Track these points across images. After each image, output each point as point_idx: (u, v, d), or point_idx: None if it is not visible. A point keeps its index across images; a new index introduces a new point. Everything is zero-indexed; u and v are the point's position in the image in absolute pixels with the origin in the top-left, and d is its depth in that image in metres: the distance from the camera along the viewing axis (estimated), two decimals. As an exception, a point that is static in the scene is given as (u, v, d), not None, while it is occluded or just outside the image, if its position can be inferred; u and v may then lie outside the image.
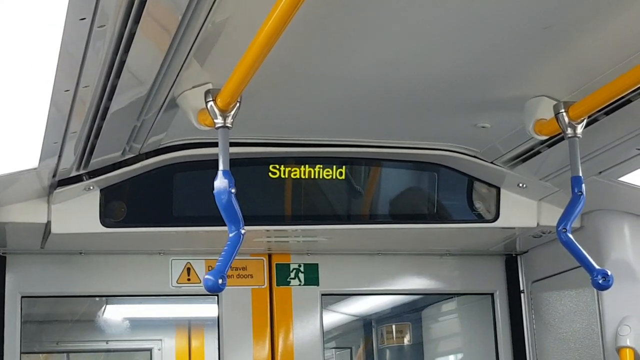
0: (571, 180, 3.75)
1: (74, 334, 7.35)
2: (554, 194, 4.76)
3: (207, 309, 6.69)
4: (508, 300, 5.68)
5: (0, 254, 5.02)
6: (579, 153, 3.74)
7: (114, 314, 7.08)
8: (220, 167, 3.29)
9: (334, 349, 7.67)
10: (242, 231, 3.22)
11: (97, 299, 6.54)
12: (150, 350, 7.25)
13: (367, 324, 7.34)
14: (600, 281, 3.68)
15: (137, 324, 7.27)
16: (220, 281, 3.10)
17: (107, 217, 4.53)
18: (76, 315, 7.08)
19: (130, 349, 7.65)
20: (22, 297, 5.10)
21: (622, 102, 3.71)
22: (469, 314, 6.30)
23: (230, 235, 3.22)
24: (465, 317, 6.41)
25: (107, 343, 7.49)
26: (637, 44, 3.27)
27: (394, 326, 7.00)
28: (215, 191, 3.26)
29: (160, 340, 7.23)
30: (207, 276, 3.10)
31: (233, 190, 3.26)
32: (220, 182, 3.26)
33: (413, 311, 6.90)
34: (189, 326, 7.35)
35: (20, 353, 5.05)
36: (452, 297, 6.36)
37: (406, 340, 6.97)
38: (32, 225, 4.54)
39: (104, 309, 6.74)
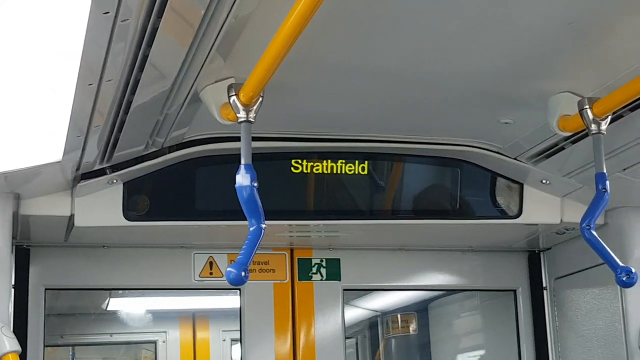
0: (595, 176, 3.73)
1: (79, 327, 7.37)
2: (578, 190, 4.73)
3: (212, 300, 6.69)
4: (531, 297, 5.65)
5: (24, 247, 5.05)
6: (603, 149, 3.72)
7: (118, 306, 7.10)
8: (243, 161, 3.30)
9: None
10: (263, 225, 3.22)
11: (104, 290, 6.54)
12: (154, 342, 7.27)
13: (372, 314, 7.34)
14: (624, 278, 3.66)
15: (141, 316, 7.29)
16: (243, 274, 3.10)
17: (130, 210, 4.55)
18: (80, 309, 7.11)
19: (135, 342, 7.67)
20: (46, 289, 5.13)
21: (647, 99, 3.68)
22: (491, 310, 6.28)
23: (251, 229, 3.23)
24: (487, 313, 6.39)
25: (111, 336, 7.51)
26: (662, 39, 3.25)
27: (399, 316, 6.99)
28: (237, 185, 3.27)
29: (165, 332, 7.25)
30: (229, 269, 3.10)
31: (255, 185, 3.26)
32: (242, 177, 3.27)
33: (429, 307, 6.89)
34: (193, 318, 7.37)
35: (44, 343, 5.08)
36: (473, 293, 6.35)
37: (411, 329, 6.96)
38: (56, 219, 4.57)
39: (108, 302, 6.77)
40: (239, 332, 5.41)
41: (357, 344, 7.60)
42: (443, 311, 6.84)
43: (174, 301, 7.13)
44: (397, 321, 7.02)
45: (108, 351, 8.06)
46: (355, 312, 7.07)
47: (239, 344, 5.45)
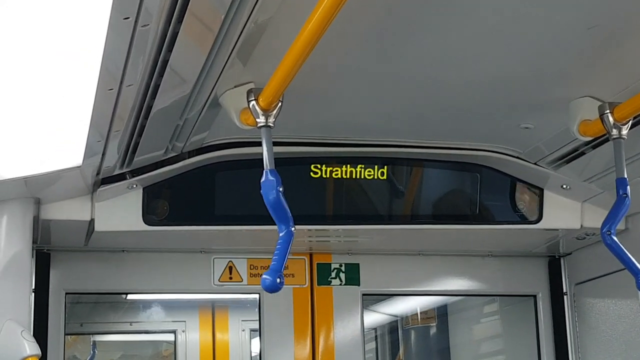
0: (616, 182, 3.71)
1: (98, 316, 7.40)
2: (599, 195, 4.70)
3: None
4: (551, 302, 5.63)
5: (45, 251, 5.07)
6: (624, 154, 3.70)
7: (137, 295, 7.11)
8: (266, 166, 3.30)
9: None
10: (293, 229, 3.22)
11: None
12: (174, 331, 7.29)
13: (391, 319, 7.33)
14: (644, 284, 3.64)
15: (161, 306, 7.31)
16: (278, 280, 3.11)
17: (150, 215, 4.56)
18: (100, 297, 7.13)
19: (154, 331, 7.69)
20: (66, 293, 5.15)
21: (669, 103, 3.66)
22: (511, 316, 6.26)
23: (281, 234, 3.22)
24: (507, 319, 6.36)
25: (131, 325, 7.53)
26: (684, 44, 3.23)
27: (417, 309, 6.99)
28: (262, 190, 3.27)
29: (184, 322, 7.27)
30: (264, 276, 3.10)
31: (280, 189, 3.26)
32: (268, 181, 3.27)
33: (449, 312, 6.88)
34: (213, 307, 7.38)
35: (64, 347, 5.10)
36: (493, 299, 6.32)
37: (431, 320, 6.95)
38: (76, 223, 4.59)
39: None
40: (257, 327, 5.41)
41: (376, 334, 7.58)
42: (463, 316, 6.82)
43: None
44: (417, 313, 7.01)
45: (129, 347, 8.08)
46: (375, 317, 7.06)
47: (258, 337, 5.46)
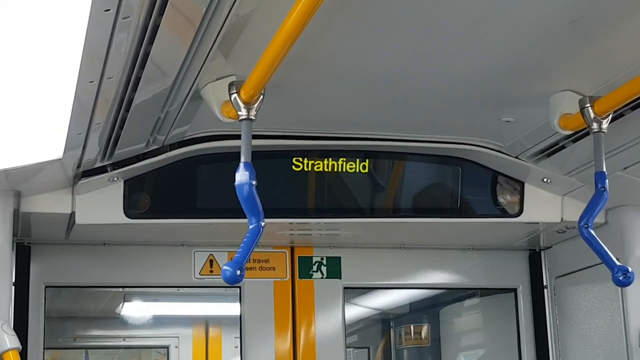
0: (595, 175, 3.73)
1: (92, 330, 7.40)
2: (579, 189, 4.73)
3: (226, 307, 6.74)
4: (531, 295, 5.65)
5: (25, 244, 5.05)
6: (604, 148, 3.72)
7: (131, 310, 7.10)
8: (242, 159, 3.31)
9: (352, 349, 7.67)
10: (262, 223, 3.24)
11: (116, 294, 6.60)
12: (167, 347, 7.29)
13: (385, 324, 7.33)
14: (620, 278, 3.66)
15: (154, 321, 7.31)
16: (238, 272, 3.11)
17: (131, 208, 4.55)
18: (94, 312, 7.13)
19: (148, 346, 7.69)
20: (46, 287, 5.13)
21: (648, 97, 3.68)
22: (491, 309, 6.28)
23: (250, 227, 3.24)
24: (487, 312, 6.38)
25: (124, 340, 7.54)
26: (663, 38, 3.25)
27: (412, 327, 6.99)
28: (236, 183, 3.29)
29: (178, 337, 7.26)
30: (225, 267, 3.12)
31: (254, 183, 3.27)
32: (242, 174, 3.28)
33: (432, 307, 6.89)
34: (207, 323, 7.38)
35: (44, 340, 5.08)
36: (474, 293, 6.34)
37: (424, 341, 6.95)
38: (57, 216, 4.57)
39: (122, 306, 6.77)
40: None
41: (369, 353, 7.59)
42: (450, 310, 6.84)
43: (188, 307, 7.14)
44: (410, 332, 7.00)
45: (120, 354, 8.08)
46: (357, 311, 7.08)
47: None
